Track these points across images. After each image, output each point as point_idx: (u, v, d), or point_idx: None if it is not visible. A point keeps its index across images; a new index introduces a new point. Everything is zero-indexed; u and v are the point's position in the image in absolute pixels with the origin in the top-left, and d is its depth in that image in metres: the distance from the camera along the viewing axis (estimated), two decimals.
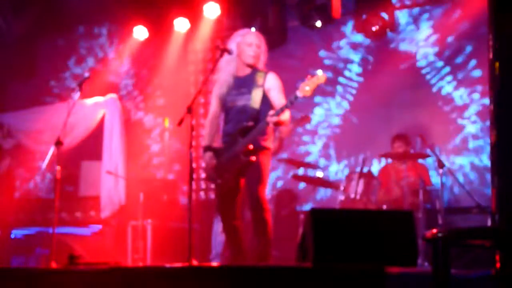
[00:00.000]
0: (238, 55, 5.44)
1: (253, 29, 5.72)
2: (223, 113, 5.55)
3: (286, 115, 5.22)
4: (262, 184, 5.28)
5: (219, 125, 5.61)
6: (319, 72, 4.97)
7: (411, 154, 7.14)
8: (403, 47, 8.27)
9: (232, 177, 5.31)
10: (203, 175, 8.57)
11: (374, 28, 7.75)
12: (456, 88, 7.91)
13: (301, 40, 8.49)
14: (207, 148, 5.51)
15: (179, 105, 8.97)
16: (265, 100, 5.32)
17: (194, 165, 5.30)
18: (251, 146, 5.22)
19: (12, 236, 8.25)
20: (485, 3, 3.34)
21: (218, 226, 6.70)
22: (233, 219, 5.41)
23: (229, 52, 5.41)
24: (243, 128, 5.26)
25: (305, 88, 4.94)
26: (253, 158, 5.22)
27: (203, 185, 8.89)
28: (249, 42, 5.43)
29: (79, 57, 9.26)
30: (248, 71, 5.44)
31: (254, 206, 5.25)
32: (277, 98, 5.29)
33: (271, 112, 5.11)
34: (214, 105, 5.62)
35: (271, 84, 5.34)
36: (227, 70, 5.51)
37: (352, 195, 6.82)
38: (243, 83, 5.41)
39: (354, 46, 8.52)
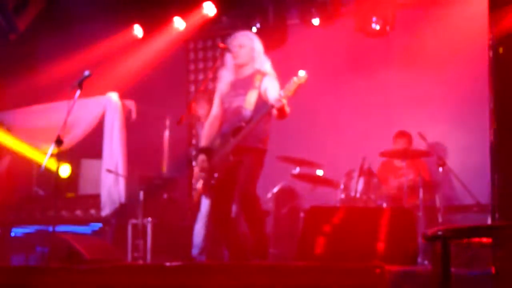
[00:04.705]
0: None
1: (254, 29, 5.71)
2: (222, 115, 5.57)
3: (287, 108, 5.21)
4: (252, 183, 5.28)
5: (220, 126, 5.61)
6: (301, 73, 5.06)
7: (411, 152, 7.13)
8: None
9: (223, 177, 5.32)
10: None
11: (374, 28, 7.76)
12: None
13: (301, 38, 8.48)
14: (202, 150, 5.51)
15: (179, 104, 9.02)
16: (261, 103, 5.32)
17: (194, 163, 5.32)
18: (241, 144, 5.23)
19: (12, 234, 8.25)
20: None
21: (200, 224, 6.68)
22: (228, 218, 5.42)
23: (230, 51, 5.43)
24: (236, 128, 5.27)
25: (288, 89, 5.04)
26: (242, 158, 5.23)
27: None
28: (234, 44, 5.47)
29: (80, 55, 9.24)
30: (247, 73, 5.45)
31: (245, 205, 5.26)
32: (274, 95, 5.25)
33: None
34: (215, 106, 5.64)
35: (267, 84, 5.35)
36: (228, 71, 5.54)
37: (352, 193, 6.81)
38: (241, 85, 5.42)
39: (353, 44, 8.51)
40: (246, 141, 5.25)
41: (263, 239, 5.31)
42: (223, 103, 5.53)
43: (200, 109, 6.89)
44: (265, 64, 5.48)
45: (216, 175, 5.34)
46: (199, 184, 5.46)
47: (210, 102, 5.95)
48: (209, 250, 6.71)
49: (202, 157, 5.46)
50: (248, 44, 5.47)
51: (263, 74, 5.40)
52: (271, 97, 5.22)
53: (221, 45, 5.55)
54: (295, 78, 5.05)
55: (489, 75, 3.36)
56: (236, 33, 5.62)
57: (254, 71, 5.44)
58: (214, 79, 5.78)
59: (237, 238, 5.45)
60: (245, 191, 5.24)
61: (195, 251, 6.63)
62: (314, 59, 8.41)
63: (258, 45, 5.52)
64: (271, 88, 5.32)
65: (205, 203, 6.57)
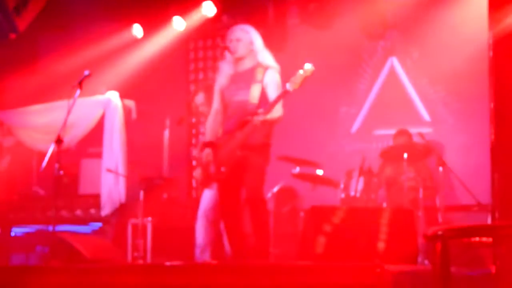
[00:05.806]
0: None
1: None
2: (224, 109, 5.55)
3: (276, 112, 5.20)
4: (259, 180, 5.27)
5: (221, 121, 5.60)
6: (307, 65, 5.04)
7: (411, 150, 7.12)
8: None
9: (230, 172, 5.31)
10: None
11: (375, 28, 7.77)
12: None
13: (301, 38, 8.48)
14: (207, 145, 5.50)
15: (179, 104, 9.02)
16: (264, 96, 5.31)
17: (194, 162, 5.32)
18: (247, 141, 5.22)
19: (12, 234, 8.25)
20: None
21: (199, 222, 6.66)
22: (235, 213, 5.41)
23: (230, 51, 5.42)
24: (242, 123, 5.25)
25: (295, 81, 5.02)
26: (249, 153, 5.21)
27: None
28: (231, 38, 5.47)
29: (80, 55, 9.24)
30: (247, 66, 5.43)
31: (252, 205, 5.25)
32: (272, 95, 5.26)
33: (260, 110, 5.10)
34: (216, 101, 5.62)
35: (269, 80, 5.33)
36: (227, 66, 5.53)
37: (352, 193, 6.81)
38: (242, 79, 5.40)
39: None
40: (251, 137, 5.24)
41: (265, 239, 5.30)
42: (223, 97, 5.51)
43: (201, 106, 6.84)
44: (267, 57, 5.46)
45: (223, 169, 5.33)
46: (201, 176, 5.43)
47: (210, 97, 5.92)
48: (212, 247, 6.68)
49: (207, 151, 5.46)
50: (246, 38, 5.46)
51: (265, 68, 5.38)
52: (269, 99, 5.23)
53: (222, 44, 5.54)
54: (301, 71, 5.04)
55: (489, 75, 3.36)
56: (234, 27, 5.61)
57: (255, 64, 5.41)
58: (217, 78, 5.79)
59: (241, 236, 5.45)
60: (253, 191, 5.23)
61: (197, 251, 6.62)
62: (314, 58, 8.39)
63: (256, 37, 5.50)
64: (271, 88, 5.30)
65: (204, 201, 6.54)
